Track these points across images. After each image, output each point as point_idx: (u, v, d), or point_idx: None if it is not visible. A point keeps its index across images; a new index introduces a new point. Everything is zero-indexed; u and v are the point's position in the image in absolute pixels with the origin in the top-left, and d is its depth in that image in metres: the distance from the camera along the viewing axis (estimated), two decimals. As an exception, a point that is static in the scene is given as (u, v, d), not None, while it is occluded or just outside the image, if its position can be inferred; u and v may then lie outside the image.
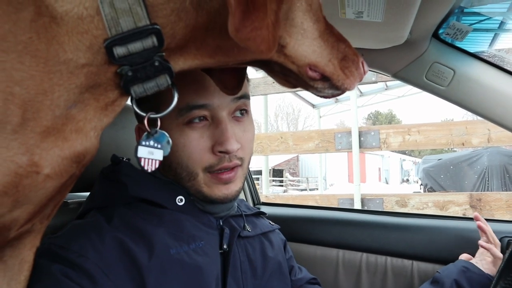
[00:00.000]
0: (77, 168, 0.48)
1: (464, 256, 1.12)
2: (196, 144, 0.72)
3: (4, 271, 0.54)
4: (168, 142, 0.60)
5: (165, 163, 0.76)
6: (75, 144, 0.45)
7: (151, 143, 0.58)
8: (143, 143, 0.58)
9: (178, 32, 0.46)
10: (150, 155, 0.58)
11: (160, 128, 0.75)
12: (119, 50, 0.44)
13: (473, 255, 1.10)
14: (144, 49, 0.45)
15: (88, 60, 0.43)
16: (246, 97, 0.77)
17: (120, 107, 0.51)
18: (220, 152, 0.72)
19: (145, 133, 0.59)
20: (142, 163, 0.57)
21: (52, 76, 0.41)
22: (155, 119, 0.59)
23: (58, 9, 0.41)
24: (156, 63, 0.46)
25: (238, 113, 0.76)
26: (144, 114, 0.56)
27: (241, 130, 0.76)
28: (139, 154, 0.57)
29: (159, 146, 0.59)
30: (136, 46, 0.44)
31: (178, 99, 0.72)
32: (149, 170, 0.57)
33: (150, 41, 0.44)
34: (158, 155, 0.59)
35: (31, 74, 0.40)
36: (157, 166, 0.58)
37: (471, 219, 1.31)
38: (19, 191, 0.42)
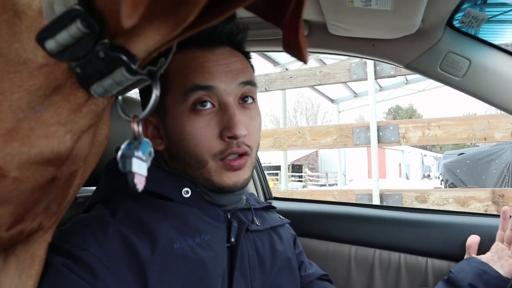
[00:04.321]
0: (56, 171, 0.46)
1: (472, 239, 1.07)
2: (203, 131, 0.72)
3: (16, 264, 0.55)
4: (150, 153, 0.48)
5: (173, 152, 0.77)
6: (44, 150, 0.42)
7: (140, 154, 0.46)
8: (136, 154, 0.45)
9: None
10: (139, 170, 0.45)
11: (167, 116, 0.76)
12: (50, 44, 0.37)
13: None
14: (76, 39, 0.37)
15: (45, 60, 0.38)
16: (252, 84, 0.77)
17: (100, 106, 0.45)
18: (229, 137, 0.72)
19: (128, 142, 0.47)
20: (136, 180, 0.44)
21: (12, 76, 0.38)
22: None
23: (21, 1, 0.37)
24: (101, 54, 0.37)
25: (244, 100, 0.76)
26: (129, 118, 0.47)
27: (248, 118, 0.76)
28: (134, 169, 0.44)
29: (144, 158, 0.47)
30: (63, 37, 0.36)
31: (185, 81, 0.72)
32: (140, 190, 0.45)
33: (75, 28, 0.36)
34: (144, 169, 0.46)
35: None
36: (144, 183, 0.46)
37: (488, 215, 1.27)
38: None
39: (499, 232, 1.04)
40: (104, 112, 0.49)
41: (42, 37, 0.37)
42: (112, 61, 0.38)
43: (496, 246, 1.03)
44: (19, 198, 0.45)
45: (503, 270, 0.95)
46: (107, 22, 0.36)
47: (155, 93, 0.44)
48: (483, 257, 1.00)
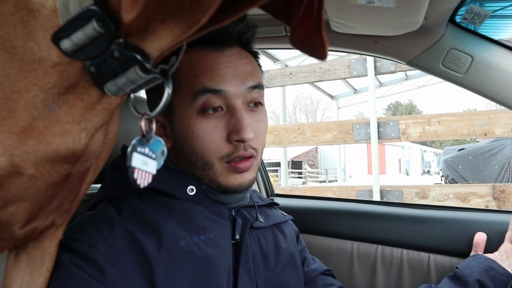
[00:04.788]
0: (71, 168, 0.47)
1: (479, 237, 1.06)
2: (211, 134, 0.72)
3: (27, 261, 0.56)
4: (163, 152, 0.49)
5: (179, 152, 0.77)
6: (60, 148, 0.43)
7: (146, 151, 0.47)
8: (139, 149, 0.46)
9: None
10: (144, 166, 0.46)
11: (174, 116, 0.76)
12: (65, 44, 0.37)
13: (492, 250, 1.05)
14: (91, 38, 0.37)
15: (60, 58, 0.38)
16: (261, 87, 0.77)
17: (113, 104, 0.45)
18: (236, 141, 0.72)
19: (138, 138, 0.48)
20: (136, 175, 0.45)
21: (27, 74, 0.38)
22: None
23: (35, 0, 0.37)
24: (116, 54, 0.38)
25: (252, 104, 0.76)
26: (138, 115, 0.47)
27: (255, 120, 0.76)
28: (134, 163, 0.45)
29: (153, 156, 0.48)
30: (79, 37, 0.37)
31: (194, 83, 0.72)
32: (141, 186, 0.46)
33: (91, 28, 0.36)
34: (152, 167, 0.47)
35: (6, 72, 0.38)
36: (149, 181, 0.47)
37: (490, 211, 1.28)
38: (4, 188, 0.42)
39: (508, 233, 1.04)
40: (115, 110, 0.49)
41: (57, 37, 0.37)
42: (127, 60, 0.38)
43: (505, 246, 1.02)
44: (34, 195, 0.45)
45: (511, 268, 0.95)
46: (122, 22, 0.36)
47: (167, 91, 0.44)
48: (491, 256, 1.00)
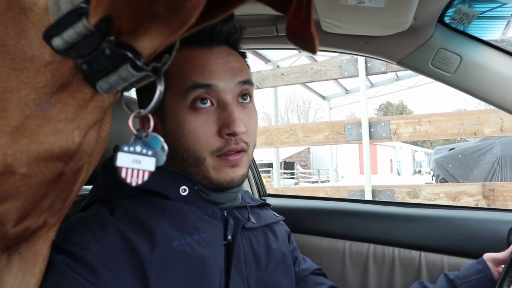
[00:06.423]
0: (64, 167, 0.47)
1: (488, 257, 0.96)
2: (202, 129, 0.73)
3: (19, 262, 0.55)
4: (162, 148, 0.49)
5: (171, 150, 0.76)
6: (53, 147, 0.43)
7: (138, 149, 0.47)
8: (125, 148, 0.46)
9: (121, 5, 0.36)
10: (136, 165, 0.46)
11: (166, 114, 0.76)
12: (56, 42, 0.37)
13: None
14: (82, 36, 0.37)
15: (52, 57, 0.38)
16: (250, 82, 0.78)
17: (106, 102, 0.45)
18: (227, 134, 0.73)
19: (133, 136, 0.48)
20: (124, 175, 0.45)
21: (19, 73, 0.38)
22: (149, 118, 0.50)
23: None
24: (107, 51, 0.38)
25: (242, 99, 0.77)
26: (129, 112, 0.47)
27: (246, 116, 0.77)
28: (119, 163, 0.45)
29: (149, 153, 0.48)
30: (70, 34, 0.37)
31: (185, 79, 0.73)
32: (134, 184, 0.46)
33: (82, 26, 0.36)
34: (148, 164, 0.47)
35: None
36: (145, 178, 0.47)
37: (480, 209, 1.29)
38: None
39: None
40: (108, 107, 0.50)
41: (48, 35, 0.37)
42: (118, 57, 0.38)
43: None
44: (27, 193, 0.45)
45: None
46: (113, 20, 0.36)
47: (159, 89, 0.44)
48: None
